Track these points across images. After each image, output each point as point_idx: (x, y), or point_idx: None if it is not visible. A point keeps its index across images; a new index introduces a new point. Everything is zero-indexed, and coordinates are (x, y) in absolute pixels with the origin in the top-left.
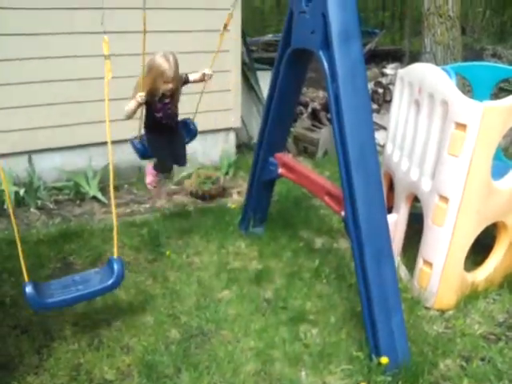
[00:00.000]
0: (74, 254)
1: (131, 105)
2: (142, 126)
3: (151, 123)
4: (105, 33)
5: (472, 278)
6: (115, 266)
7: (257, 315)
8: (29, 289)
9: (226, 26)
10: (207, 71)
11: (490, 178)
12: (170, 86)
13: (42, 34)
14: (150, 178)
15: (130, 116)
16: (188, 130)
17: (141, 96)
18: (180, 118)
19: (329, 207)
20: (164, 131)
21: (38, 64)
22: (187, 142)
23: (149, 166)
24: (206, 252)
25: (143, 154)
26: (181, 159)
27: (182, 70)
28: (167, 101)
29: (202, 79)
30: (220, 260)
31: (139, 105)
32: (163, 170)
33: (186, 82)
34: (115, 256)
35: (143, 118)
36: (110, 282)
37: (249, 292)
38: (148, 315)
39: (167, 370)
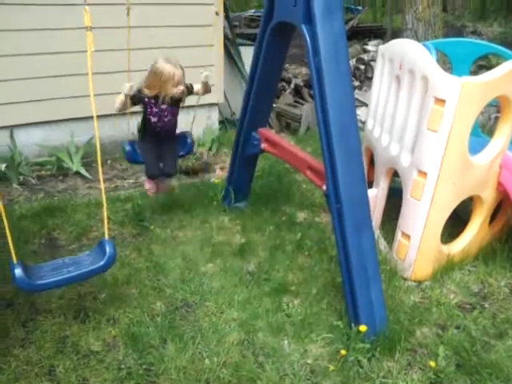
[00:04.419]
0: (58, 229)
1: (119, 98)
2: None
3: (146, 127)
4: (86, 4)
5: (448, 250)
6: (107, 248)
7: (240, 287)
8: (18, 271)
9: None
10: (204, 76)
11: (467, 152)
12: (182, 88)
13: (18, 4)
14: (147, 184)
15: (120, 108)
16: (184, 143)
17: (126, 87)
18: None
19: (311, 181)
20: (157, 139)
21: (17, 37)
22: (182, 156)
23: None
24: (189, 226)
25: (132, 157)
26: (169, 169)
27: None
28: (164, 107)
29: (206, 89)
30: (204, 234)
31: (126, 97)
32: (149, 175)
33: (191, 91)
34: (106, 237)
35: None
36: (101, 263)
37: (232, 265)
38: (133, 288)
39: (153, 341)
